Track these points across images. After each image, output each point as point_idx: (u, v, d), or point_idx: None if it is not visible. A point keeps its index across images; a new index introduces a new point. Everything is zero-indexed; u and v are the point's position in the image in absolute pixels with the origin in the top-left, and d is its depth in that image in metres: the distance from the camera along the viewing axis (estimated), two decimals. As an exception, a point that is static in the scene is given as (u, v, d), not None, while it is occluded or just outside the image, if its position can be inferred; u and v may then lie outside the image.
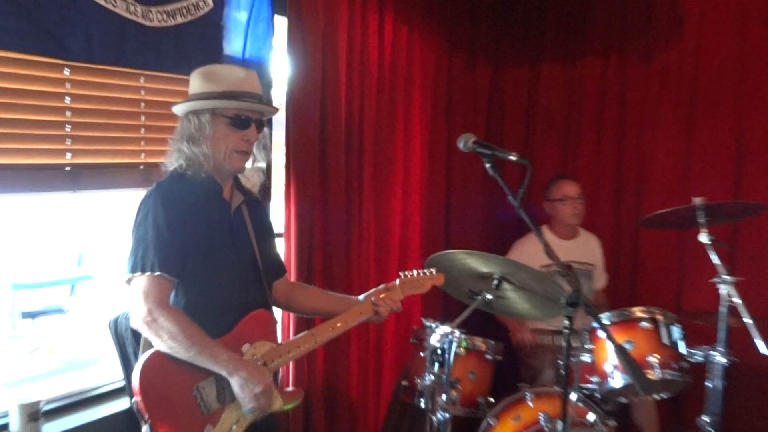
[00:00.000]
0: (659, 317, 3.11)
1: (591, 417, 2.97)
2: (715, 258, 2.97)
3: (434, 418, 2.77)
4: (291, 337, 2.98)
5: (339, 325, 2.34)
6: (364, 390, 3.69)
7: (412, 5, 3.91)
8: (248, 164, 2.27)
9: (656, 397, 3.36)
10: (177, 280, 2.06)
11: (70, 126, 2.37)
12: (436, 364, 2.75)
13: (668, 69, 4.28)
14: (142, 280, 2.00)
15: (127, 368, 2.19)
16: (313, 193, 3.22)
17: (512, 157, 2.19)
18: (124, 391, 2.37)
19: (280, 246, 3.03)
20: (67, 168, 2.39)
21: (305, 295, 2.57)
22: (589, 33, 4.47)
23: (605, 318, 3.13)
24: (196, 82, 2.19)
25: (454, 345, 2.83)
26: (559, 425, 2.13)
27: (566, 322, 2.11)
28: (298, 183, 3.14)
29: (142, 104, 2.60)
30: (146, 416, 1.96)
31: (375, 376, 3.79)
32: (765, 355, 2.76)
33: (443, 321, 2.87)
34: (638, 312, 3.12)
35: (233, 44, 2.91)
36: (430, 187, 4.22)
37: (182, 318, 2.01)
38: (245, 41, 2.96)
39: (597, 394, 3.14)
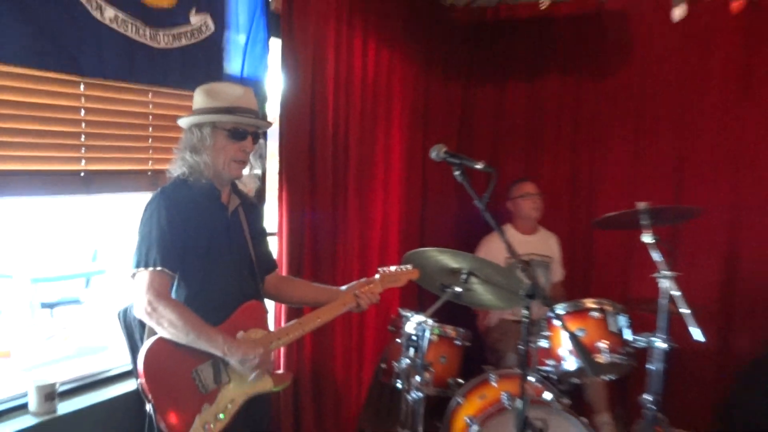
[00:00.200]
0: (608, 308, 3.14)
1: (548, 396, 2.98)
2: (656, 255, 3.01)
3: (409, 397, 2.78)
4: (282, 325, 2.98)
5: (324, 314, 2.35)
6: (347, 372, 3.69)
7: (392, 30, 3.91)
8: (245, 171, 2.27)
9: (605, 378, 3.39)
10: (177, 275, 2.06)
11: (84, 136, 2.36)
12: (411, 349, 2.76)
13: (617, 89, 4.32)
14: (145, 275, 2.00)
15: (135, 353, 2.18)
16: (303, 197, 3.22)
17: (478, 166, 2.20)
18: (132, 374, 2.36)
19: (273, 244, 3.02)
20: (82, 174, 2.37)
21: (294, 288, 2.56)
22: (549, 57, 4.50)
23: (560, 308, 3.15)
24: (199, 98, 2.19)
25: (427, 332, 2.84)
26: (519, 403, 2.14)
27: (525, 312, 2.14)
28: (289, 188, 3.14)
29: (150, 117, 2.59)
30: (150, 396, 1.97)
31: (357, 360, 3.79)
32: (699, 340, 2.80)
33: (418, 311, 2.89)
34: (589, 303, 3.15)
35: (233, 64, 2.90)
36: (407, 192, 4.22)
37: (180, 307, 2.01)
38: (243, 61, 2.95)
39: (553, 376, 3.16)
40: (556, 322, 3.08)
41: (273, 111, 3.14)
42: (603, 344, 3.06)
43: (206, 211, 2.15)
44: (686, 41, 4.10)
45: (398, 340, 3.04)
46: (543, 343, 3.20)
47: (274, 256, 2.57)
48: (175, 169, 2.16)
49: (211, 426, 2.03)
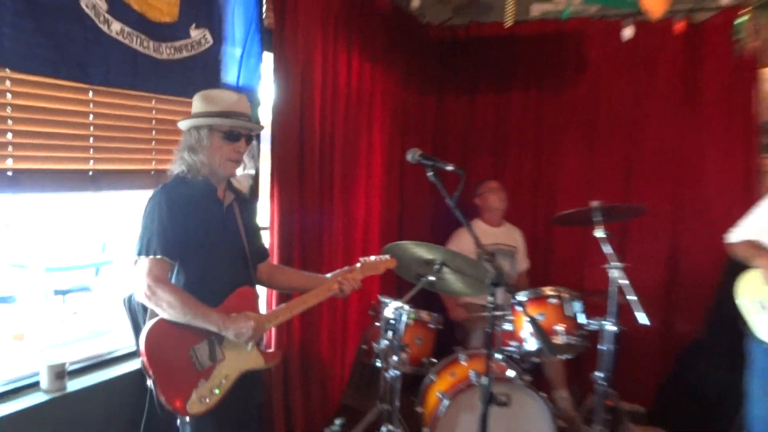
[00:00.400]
0: (564, 295, 3.17)
1: (511, 373, 3.00)
2: (608, 248, 3.03)
3: (388, 374, 2.78)
4: (273, 308, 2.96)
5: (311, 299, 2.33)
6: (332, 352, 3.68)
7: (374, 45, 3.90)
8: (239, 170, 2.25)
9: (562, 357, 3.42)
10: (175, 262, 2.04)
11: (93, 138, 2.33)
12: (390, 332, 2.75)
13: (574, 101, 4.36)
14: (146, 262, 1.98)
15: (138, 335, 2.15)
16: (292, 194, 3.20)
17: (449, 168, 2.21)
18: (135, 354, 2.34)
19: (266, 237, 3.01)
20: (90, 173, 2.34)
21: (283, 275, 2.54)
22: (514, 72, 4.51)
23: (522, 295, 3.17)
24: (197, 103, 2.17)
25: (404, 316, 2.84)
26: (485, 380, 2.15)
27: (490, 298, 2.14)
28: (280, 186, 3.12)
29: (153, 121, 2.56)
30: (150, 372, 1.95)
31: (341, 341, 3.78)
32: (644, 324, 2.82)
33: (396, 298, 2.88)
34: (548, 291, 3.18)
35: (229, 74, 2.87)
36: (387, 191, 4.21)
37: (177, 290, 2.00)
38: (239, 72, 2.92)
39: (516, 356, 3.18)
40: (519, 308, 3.10)
41: (266, 117, 3.12)
42: (560, 327, 3.09)
43: (203, 205, 2.13)
44: (634, 58, 4.14)
45: (378, 324, 3.04)
46: (507, 326, 3.22)
47: (267, 247, 2.55)
48: (175, 167, 2.14)
49: (207, 399, 2.01)
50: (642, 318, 2.84)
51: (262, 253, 2.45)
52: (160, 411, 2.00)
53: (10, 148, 2.05)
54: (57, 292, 5.19)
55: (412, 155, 2.27)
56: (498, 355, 3.11)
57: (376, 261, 2.57)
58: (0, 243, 5.19)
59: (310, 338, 3.43)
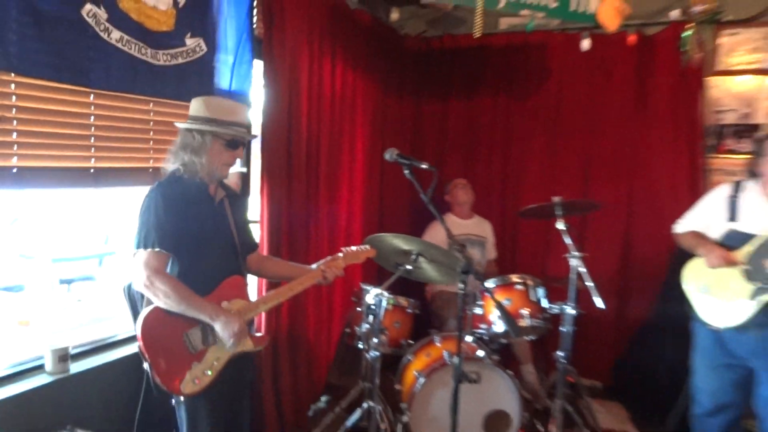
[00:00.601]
0: (529, 282, 3.19)
1: (480, 353, 3.02)
2: (568, 240, 3.05)
3: (369, 355, 2.79)
4: (262, 295, 2.94)
5: (297, 286, 2.31)
6: (317, 335, 3.66)
7: (356, 55, 3.87)
8: (231, 170, 2.23)
9: (527, 338, 3.44)
10: (171, 254, 2.01)
11: (94, 138, 2.29)
12: (371, 316, 2.76)
13: (539, 106, 4.36)
14: (144, 254, 1.95)
15: (137, 321, 2.13)
16: (281, 191, 3.17)
17: (423, 166, 2.21)
18: (134, 339, 2.31)
19: (256, 230, 2.98)
20: (92, 170, 2.30)
21: (272, 265, 2.51)
22: (484, 80, 4.51)
23: (491, 282, 3.19)
24: (201, 108, 2.11)
25: (384, 302, 2.85)
26: (456, 359, 2.16)
27: (461, 285, 2.15)
28: (270, 183, 3.09)
29: (151, 123, 2.52)
30: (146, 356, 1.93)
31: (326, 325, 3.76)
32: (601, 308, 2.85)
33: (376, 285, 2.88)
34: (514, 278, 3.19)
35: (222, 80, 2.84)
36: (368, 187, 4.19)
37: (174, 281, 1.97)
38: (231, 78, 2.89)
39: (485, 337, 3.20)
40: (488, 294, 3.11)
41: (256, 119, 3.08)
42: (525, 311, 3.11)
43: (196, 201, 2.10)
44: (592, 67, 4.16)
45: (360, 309, 3.04)
46: (477, 310, 3.23)
47: (257, 240, 2.53)
48: (170, 165, 2.12)
49: (199, 380, 1.99)
50: (599, 302, 2.87)
51: (252, 245, 2.42)
52: (156, 392, 1.98)
53: (15, 147, 2.02)
54: (62, 281, 5.12)
55: (390, 155, 2.26)
56: (469, 337, 3.12)
57: (357, 251, 2.56)
58: (9, 236, 5.09)
59: (297, 323, 3.42)
